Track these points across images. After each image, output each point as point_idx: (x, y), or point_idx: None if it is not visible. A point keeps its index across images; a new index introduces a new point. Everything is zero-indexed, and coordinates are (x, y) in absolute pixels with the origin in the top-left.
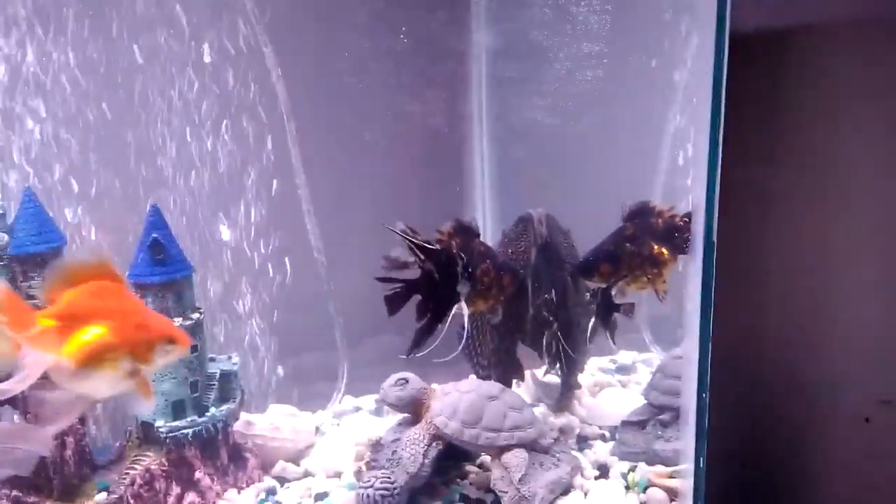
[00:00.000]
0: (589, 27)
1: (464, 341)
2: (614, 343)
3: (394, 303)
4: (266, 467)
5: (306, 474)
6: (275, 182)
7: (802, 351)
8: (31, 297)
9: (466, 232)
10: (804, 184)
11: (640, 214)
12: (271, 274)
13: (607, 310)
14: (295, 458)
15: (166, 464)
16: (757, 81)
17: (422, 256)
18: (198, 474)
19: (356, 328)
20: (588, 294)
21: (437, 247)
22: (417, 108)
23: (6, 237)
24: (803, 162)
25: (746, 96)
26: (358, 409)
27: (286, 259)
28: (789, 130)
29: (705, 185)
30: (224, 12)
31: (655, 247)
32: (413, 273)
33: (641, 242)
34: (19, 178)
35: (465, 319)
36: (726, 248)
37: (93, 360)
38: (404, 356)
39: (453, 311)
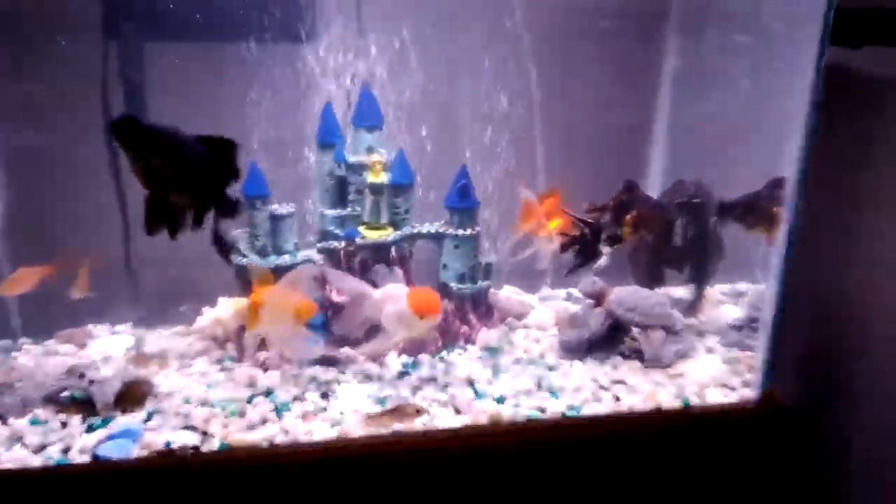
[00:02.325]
0: (747, 59)
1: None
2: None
3: (561, 248)
4: (504, 319)
5: (526, 326)
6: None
7: (860, 302)
8: (396, 207)
9: (632, 187)
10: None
11: (775, 185)
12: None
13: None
14: (519, 318)
15: (455, 308)
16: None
17: (580, 226)
18: (470, 316)
19: None
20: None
21: (590, 220)
22: (617, 111)
23: (389, 175)
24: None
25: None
26: (555, 297)
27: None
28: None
29: (795, 179)
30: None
31: (776, 209)
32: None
33: (769, 204)
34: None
35: (603, 259)
36: (816, 221)
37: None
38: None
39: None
